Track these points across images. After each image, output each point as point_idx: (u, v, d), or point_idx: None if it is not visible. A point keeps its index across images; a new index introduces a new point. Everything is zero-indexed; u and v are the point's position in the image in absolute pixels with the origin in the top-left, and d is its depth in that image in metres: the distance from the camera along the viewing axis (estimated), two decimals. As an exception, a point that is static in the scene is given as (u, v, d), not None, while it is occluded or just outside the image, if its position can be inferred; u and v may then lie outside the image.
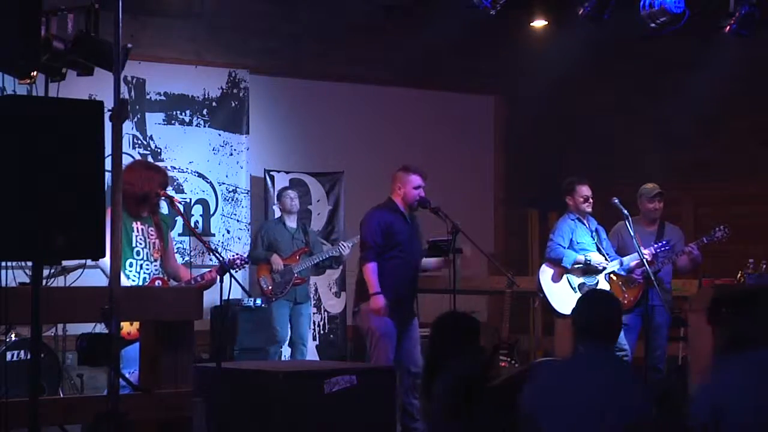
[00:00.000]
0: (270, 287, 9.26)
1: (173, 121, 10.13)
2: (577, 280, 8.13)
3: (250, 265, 9.30)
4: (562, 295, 8.13)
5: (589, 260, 8.07)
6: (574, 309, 4.53)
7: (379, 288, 7.30)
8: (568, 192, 8.19)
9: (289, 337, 9.39)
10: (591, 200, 8.16)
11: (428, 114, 11.50)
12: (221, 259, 6.67)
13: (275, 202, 10.22)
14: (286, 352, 9.44)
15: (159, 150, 10.02)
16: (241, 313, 9.52)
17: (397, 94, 11.39)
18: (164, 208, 7.23)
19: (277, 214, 10.03)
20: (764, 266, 8.08)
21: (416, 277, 7.61)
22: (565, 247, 8.11)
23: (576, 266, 8.11)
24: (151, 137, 10.00)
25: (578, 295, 8.08)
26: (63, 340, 8.47)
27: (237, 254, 7.87)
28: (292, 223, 9.50)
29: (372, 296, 7.31)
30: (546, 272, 8.20)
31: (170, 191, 6.86)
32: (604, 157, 11.37)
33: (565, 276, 8.15)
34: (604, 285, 8.12)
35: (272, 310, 9.30)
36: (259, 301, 9.54)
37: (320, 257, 9.42)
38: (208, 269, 6.66)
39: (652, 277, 7.90)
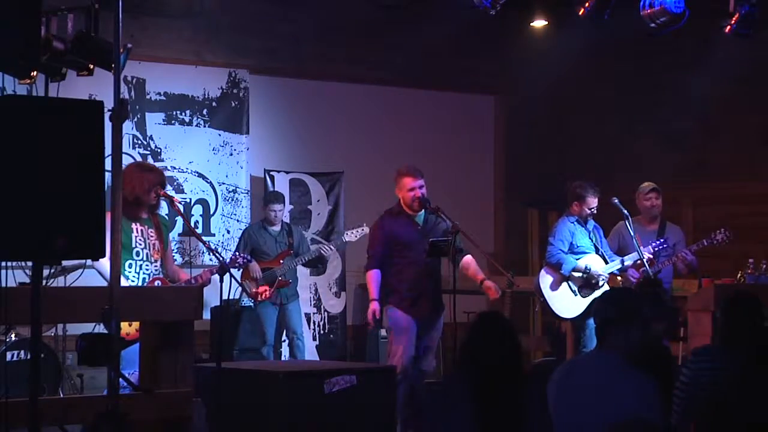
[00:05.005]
0: (255, 290, 9.13)
1: (173, 121, 10.12)
2: (577, 284, 8.12)
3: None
4: (563, 300, 8.12)
5: (589, 269, 8.04)
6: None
7: (375, 295, 7.43)
8: (578, 199, 8.13)
9: (278, 336, 9.31)
10: (595, 212, 8.15)
11: (428, 114, 11.48)
12: (221, 259, 6.67)
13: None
14: (284, 351, 9.41)
15: (159, 150, 10.01)
16: (241, 313, 9.51)
17: (397, 94, 11.37)
18: (164, 208, 7.23)
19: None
20: (764, 266, 8.07)
21: (434, 274, 7.57)
22: (565, 252, 8.10)
23: (575, 273, 8.10)
24: (151, 137, 9.99)
25: (579, 298, 8.10)
26: (63, 340, 8.47)
27: (238, 253, 7.85)
28: (275, 226, 9.33)
29: (371, 302, 7.45)
30: (545, 278, 8.20)
31: (170, 191, 6.85)
32: (604, 157, 11.37)
33: (564, 280, 8.15)
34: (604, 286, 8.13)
35: (258, 313, 9.17)
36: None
37: (303, 259, 9.28)
38: (206, 270, 6.66)
39: (652, 278, 7.89)
